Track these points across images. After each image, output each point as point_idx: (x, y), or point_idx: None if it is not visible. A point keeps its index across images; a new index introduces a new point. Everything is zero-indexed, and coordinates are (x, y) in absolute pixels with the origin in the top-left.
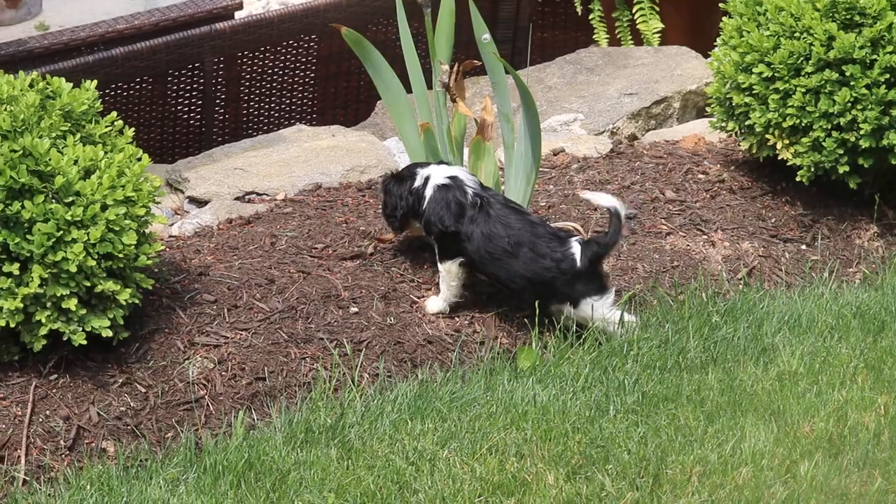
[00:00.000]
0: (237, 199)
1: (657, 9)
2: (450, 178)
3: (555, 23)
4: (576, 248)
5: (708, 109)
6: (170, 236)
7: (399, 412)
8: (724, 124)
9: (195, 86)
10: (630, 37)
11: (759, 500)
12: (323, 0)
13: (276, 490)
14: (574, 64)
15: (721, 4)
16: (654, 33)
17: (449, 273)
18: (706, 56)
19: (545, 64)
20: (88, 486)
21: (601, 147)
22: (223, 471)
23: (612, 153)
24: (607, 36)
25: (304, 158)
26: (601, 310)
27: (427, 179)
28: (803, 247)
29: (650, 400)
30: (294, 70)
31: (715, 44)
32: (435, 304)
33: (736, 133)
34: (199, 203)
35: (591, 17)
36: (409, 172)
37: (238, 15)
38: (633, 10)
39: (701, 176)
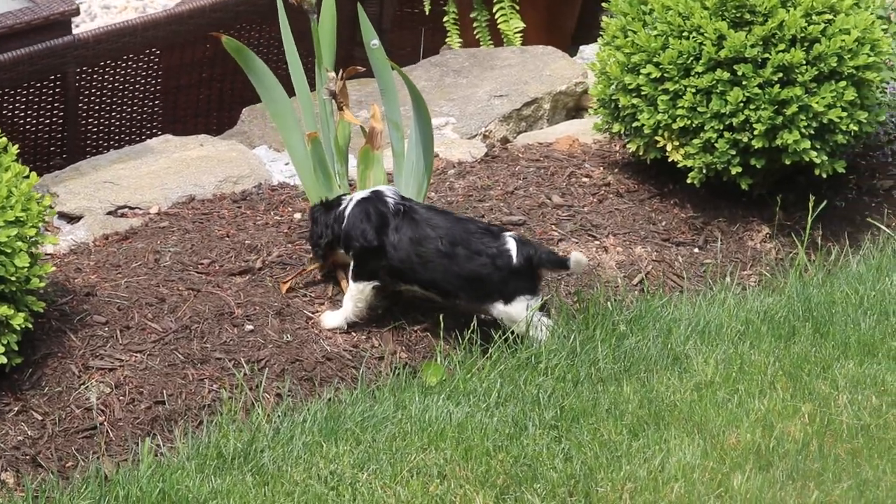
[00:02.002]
0: (109, 213)
1: (517, 7)
2: (371, 192)
3: (407, 23)
4: (511, 244)
5: (590, 111)
6: (45, 254)
7: (311, 434)
8: (608, 126)
9: (57, 97)
10: (489, 37)
11: None
12: (186, 7)
13: None
14: (440, 66)
15: (604, 4)
16: (515, 33)
17: (361, 293)
18: (572, 55)
19: (410, 67)
20: None
21: (475, 151)
22: (137, 502)
23: (487, 157)
24: (460, 39)
25: (174, 170)
26: (527, 311)
27: (350, 201)
28: (696, 250)
29: (568, 414)
30: (156, 78)
31: (573, 41)
32: (333, 319)
33: (621, 135)
34: (71, 219)
35: (445, 19)
36: (336, 201)
37: (75, 21)
38: (494, 10)
39: (585, 179)
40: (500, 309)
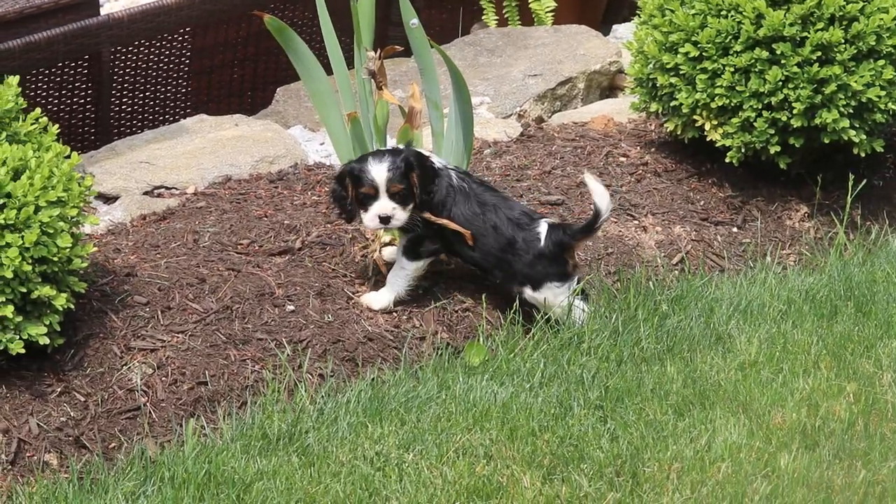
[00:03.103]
0: (146, 193)
1: None
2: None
3: (435, 3)
4: (542, 229)
5: (626, 90)
6: (84, 235)
7: (355, 415)
8: (646, 106)
9: (90, 77)
10: (518, 16)
11: (742, 496)
12: None
13: (241, 502)
14: (473, 45)
15: None
16: (547, 12)
17: (416, 270)
18: (604, 34)
19: (444, 46)
20: None
21: (510, 131)
22: (184, 483)
23: (523, 137)
24: (496, 17)
25: (210, 149)
26: (560, 296)
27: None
28: (734, 229)
29: (613, 394)
30: (189, 58)
31: (605, 21)
32: (381, 299)
33: (658, 114)
34: (108, 199)
35: None
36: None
37: (101, 0)
38: None
39: (622, 159)
40: (528, 294)
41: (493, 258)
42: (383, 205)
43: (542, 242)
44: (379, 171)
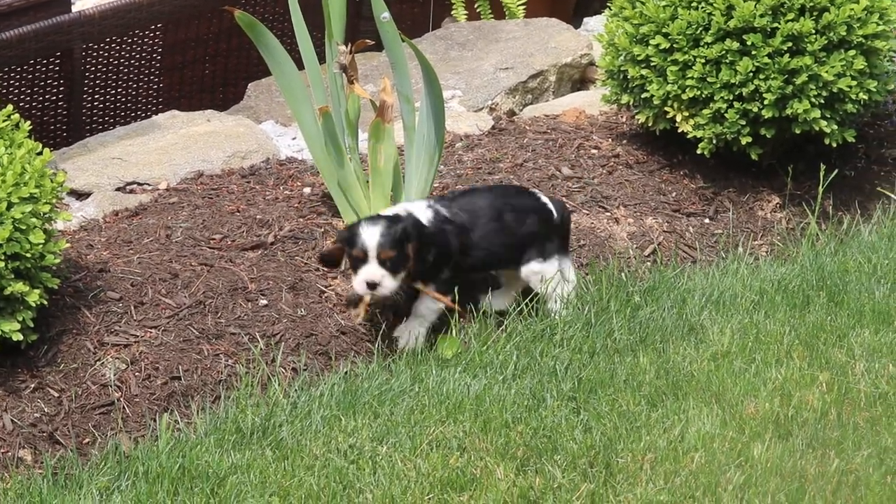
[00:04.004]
0: (118, 189)
1: None
2: (434, 215)
3: None
4: (545, 199)
5: (598, 83)
6: (57, 231)
7: (329, 408)
8: (617, 98)
9: (62, 74)
10: (490, 10)
11: (715, 486)
12: None
13: (215, 495)
14: (445, 39)
15: None
16: (518, 5)
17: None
18: (575, 27)
19: (415, 40)
20: (17, 501)
21: (482, 124)
22: (158, 478)
23: (494, 130)
24: (466, 12)
25: (182, 145)
26: (568, 270)
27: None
28: (707, 220)
29: (586, 386)
30: (160, 54)
31: (576, 14)
32: (413, 333)
33: (629, 106)
34: (80, 195)
35: None
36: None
37: None
38: None
39: (594, 151)
40: (532, 268)
41: (507, 247)
42: (371, 270)
43: (555, 213)
44: (371, 236)
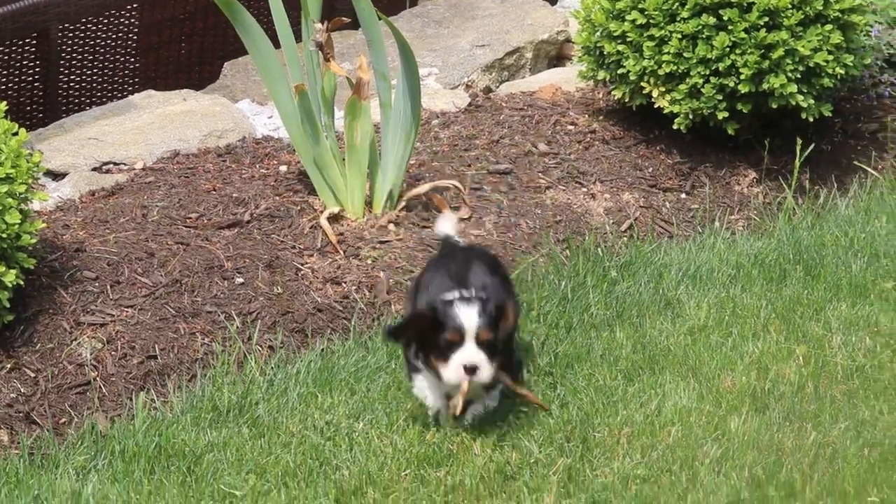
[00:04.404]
0: (95, 169)
1: None
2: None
3: None
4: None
5: (574, 59)
6: (33, 211)
7: (305, 385)
8: (593, 74)
9: (39, 54)
10: None
11: (692, 460)
12: None
13: (192, 473)
14: (421, 17)
15: None
16: None
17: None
18: (552, 3)
19: (392, 18)
20: None
21: (458, 101)
22: (134, 457)
23: (471, 107)
24: None
25: (158, 125)
26: None
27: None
28: (683, 195)
29: (562, 361)
30: (136, 34)
31: None
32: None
33: (606, 82)
34: (56, 176)
35: None
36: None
37: None
38: None
39: (570, 127)
40: None
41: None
42: (471, 353)
43: None
44: (469, 315)
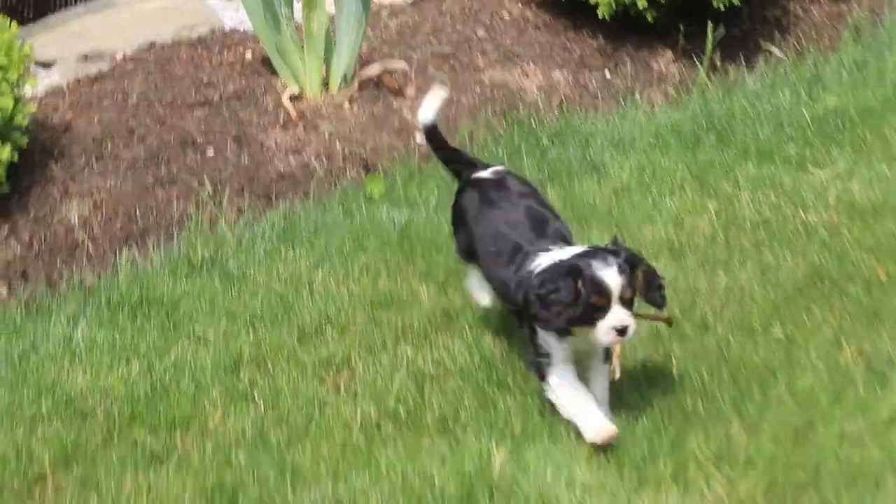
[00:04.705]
0: (80, 60)
1: None
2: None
3: None
4: None
5: None
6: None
7: (270, 242)
8: None
9: None
10: None
11: None
12: None
13: (170, 318)
14: None
15: None
16: None
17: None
18: None
19: None
20: None
21: None
22: (119, 305)
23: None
24: None
25: (136, 21)
26: None
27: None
28: (607, 73)
29: None
30: None
31: None
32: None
33: None
34: (45, 65)
35: None
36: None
37: None
38: None
39: (506, 16)
40: None
41: None
42: (620, 315)
43: None
44: (613, 277)
